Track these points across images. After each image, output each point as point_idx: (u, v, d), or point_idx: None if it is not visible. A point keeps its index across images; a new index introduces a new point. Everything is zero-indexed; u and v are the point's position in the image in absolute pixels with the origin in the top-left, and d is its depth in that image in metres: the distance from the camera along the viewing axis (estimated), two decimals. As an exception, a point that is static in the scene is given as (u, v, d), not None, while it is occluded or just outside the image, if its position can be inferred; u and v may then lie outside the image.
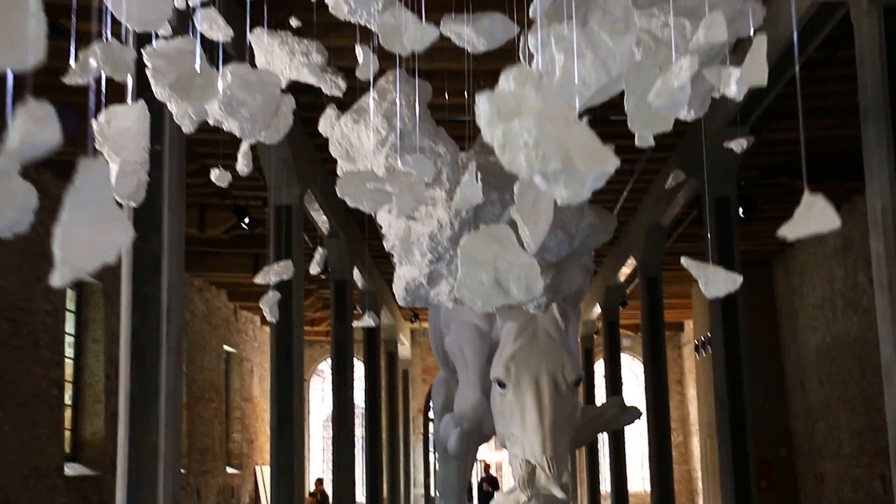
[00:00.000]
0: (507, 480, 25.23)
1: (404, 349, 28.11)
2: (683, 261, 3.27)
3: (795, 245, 19.41)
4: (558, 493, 8.59)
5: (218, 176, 5.05)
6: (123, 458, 6.01)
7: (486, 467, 28.20)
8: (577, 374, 9.40)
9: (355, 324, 10.35)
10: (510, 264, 2.72)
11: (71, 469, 12.45)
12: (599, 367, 26.31)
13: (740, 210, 12.48)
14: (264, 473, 21.89)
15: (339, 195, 3.75)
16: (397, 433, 25.08)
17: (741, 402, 10.95)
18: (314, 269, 6.76)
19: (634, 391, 27.79)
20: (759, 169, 14.09)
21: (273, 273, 5.39)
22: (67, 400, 13.15)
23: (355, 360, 25.85)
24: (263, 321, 22.84)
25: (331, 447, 15.49)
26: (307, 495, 28.11)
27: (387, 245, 6.25)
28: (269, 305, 5.37)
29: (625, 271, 18.53)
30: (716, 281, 3.15)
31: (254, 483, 22.71)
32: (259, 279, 5.30)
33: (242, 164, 4.37)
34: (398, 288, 6.44)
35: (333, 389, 15.27)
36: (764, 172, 14.26)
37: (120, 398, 6.10)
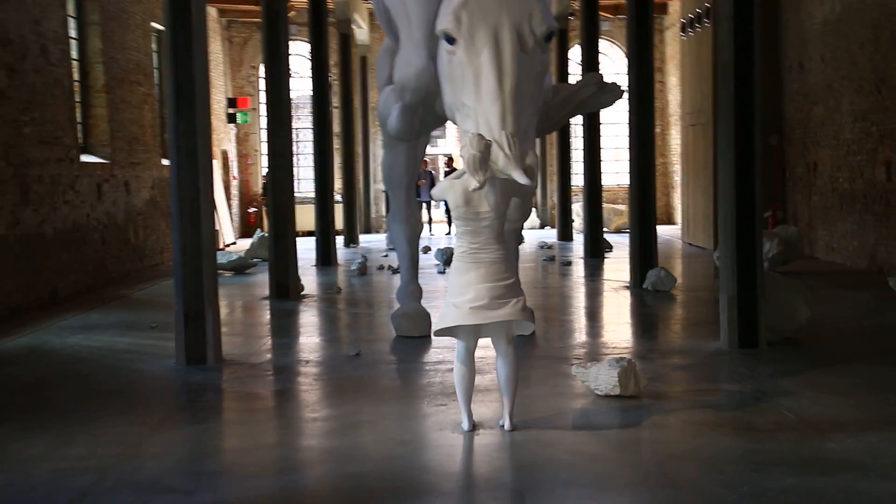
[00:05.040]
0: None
1: (361, 33, 25.66)
2: None
3: None
4: (520, 178, 6.59)
5: None
6: None
7: (450, 160, 26.44)
8: (549, 24, 7.20)
9: None
10: None
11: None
12: (574, 55, 24.11)
13: None
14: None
15: None
16: (353, 125, 23.10)
17: (749, 73, 8.86)
18: None
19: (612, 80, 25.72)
20: None
21: None
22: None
23: (302, 42, 23.45)
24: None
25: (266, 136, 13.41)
26: (260, 192, 26.55)
27: None
28: None
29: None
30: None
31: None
32: None
33: None
34: None
35: (265, 65, 13.09)
36: None
37: None
